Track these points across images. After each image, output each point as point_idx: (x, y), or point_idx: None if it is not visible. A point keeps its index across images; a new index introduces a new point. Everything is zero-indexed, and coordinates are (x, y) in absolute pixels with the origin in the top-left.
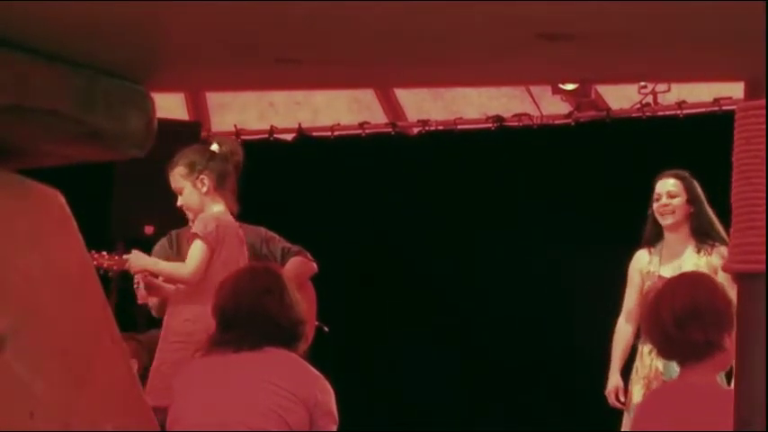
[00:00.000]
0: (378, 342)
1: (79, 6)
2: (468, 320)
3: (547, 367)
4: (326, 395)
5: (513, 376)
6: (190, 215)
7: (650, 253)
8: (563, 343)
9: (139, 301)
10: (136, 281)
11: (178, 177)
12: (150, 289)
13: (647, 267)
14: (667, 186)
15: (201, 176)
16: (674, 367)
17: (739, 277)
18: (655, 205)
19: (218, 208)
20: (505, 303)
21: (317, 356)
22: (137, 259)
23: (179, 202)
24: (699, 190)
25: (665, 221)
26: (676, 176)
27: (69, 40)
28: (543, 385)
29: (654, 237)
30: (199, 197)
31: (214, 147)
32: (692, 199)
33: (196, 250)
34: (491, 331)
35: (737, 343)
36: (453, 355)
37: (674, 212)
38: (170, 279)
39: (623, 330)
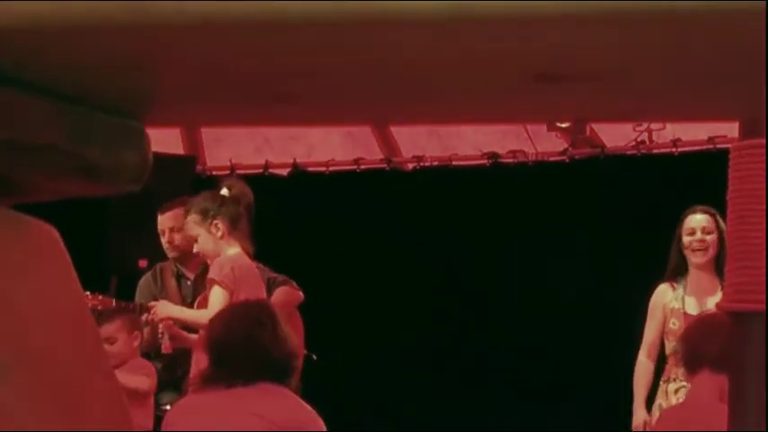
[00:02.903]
0: (372, 377)
1: (75, 42)
2: (460, 353)
3: (545, 403)
4: (319, 430)
5: (511, 410)
6: (209, 261)
7: (673, 288)
8: (560, 380)
9: (163, 351)
10: (160, 331)
11: (192, 225)
12: (174, 339)
13: (671, 303)
14: (702, 222)
15: (215, 222)
16: None
17: (735, 317)
18: (687, 239)
19: (233, 250)
20: (500, 338)
21: (307, 387)
22: (163, 308)
23: (195, 249)
24: (724, 229)
25: (698, 258)
26: (707, 212)
27: (65, 76)
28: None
29: (679, 271)
30: (214, 242)
31: (224, 191)
32: (721, 237)
33: (215, 296)
34: (487, 366)
35: (731, 384)
36: (449, 388)
37: (707, 249)
38: (196, 326)
39: (644, 365)
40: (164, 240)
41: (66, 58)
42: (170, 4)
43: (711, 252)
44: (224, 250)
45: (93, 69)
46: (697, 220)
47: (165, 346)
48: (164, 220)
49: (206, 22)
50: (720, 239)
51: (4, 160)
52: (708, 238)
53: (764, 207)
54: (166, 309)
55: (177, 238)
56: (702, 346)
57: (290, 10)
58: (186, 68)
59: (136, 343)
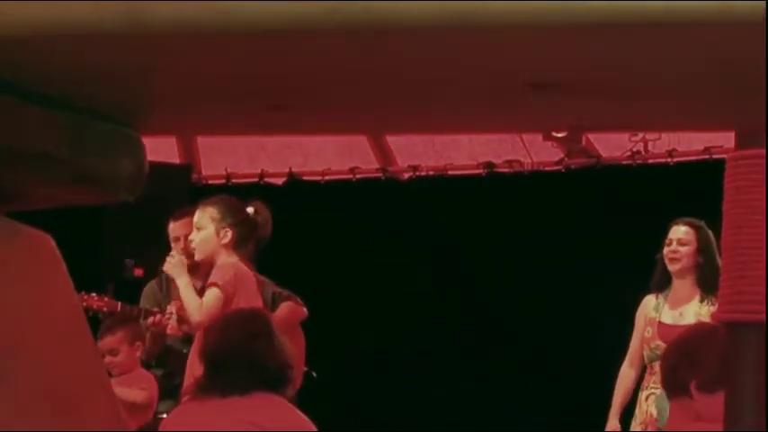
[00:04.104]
0: (368, 387)
1: (71, 50)
2: (458, 361)
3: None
4: None
5: (509, 416)
6: (197, 255)
7: (656, 298)
8: (555, 385)
9: (168, 332)
10: (169, 311)
11: (207, 216)
12: (183, 321)
13: (650, 313)
14: (679, 233)
15: (227, 229)
16: (667, 413)
17: (729, 327)
18: (665, 250)
19: (232, 259)
20: (498, 344)
21: (305, 402)
22: (175, 266)
23: (192, 237)
24: (711, 241)
25: (673, 267)
26: (689, 224)
27: (61, 84)
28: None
29: (663, 282)
30: (215, 245)
31: (250, 209)
32: (701, 249)
33: (211, 298)
34: (486, 372)
35: (726, 391)
36: (448, 396)
37: (681, 260)
38: (186, 308)
39: (626, 375)
40: (178, 247)
41: (62, 66)
42: (166, 13)
43: (685, 262)
44: (221, 257)
45: (89, 77)
46: (676, 231)
47: (172, 327)
48: (178, 227)
49: (200, 31)
50: (701, 251)
51: (1, 168)
52: (681, 249)
53: (762, 217)
54: (177, 269)
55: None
56: (680, 369)
57: (285, 18)
58: (181, 77)
59: (137, 353)
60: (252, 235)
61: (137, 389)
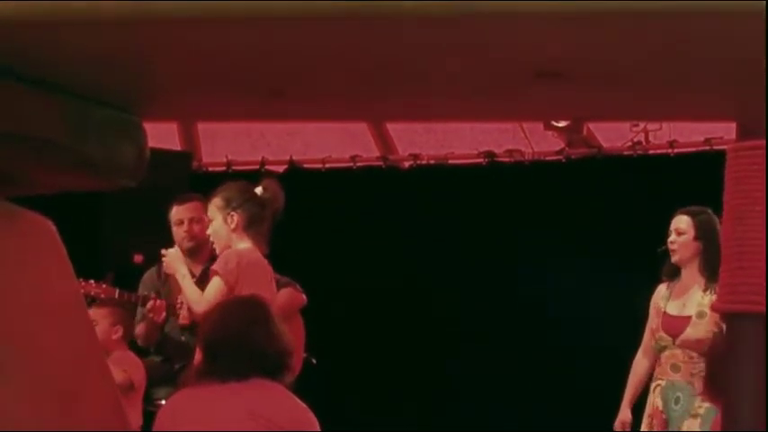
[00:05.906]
0: (367, 375)
1: (74, 35)
2: (457, 353)
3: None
4: (312, 428)
5: (508, 411)
6: (216, 247)
7: (667, 287)
8: (557, 377)
9: (180, 322)
10: (179, 302)
11: (213, 208)
12: (192, 312)
13: (660, 303)
14: (677, 223)
15: (232, 213)
16: (672, 405)
17: (729, 317)
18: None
19: (244, 245)
20: (497, 336)
21: (304, 388)
22: (172, 260)
23: (208, 231)
24: (713, 227)
25: (672, 258)
26: (688, 213)
27: (64, 70)
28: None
29: (672, 271)
30: (226, 232)
31: (258, 189)
32: (700, 236)
33: (213, 287)
34: (486, 364)
35: (725, 381)
36: (447, 389)
37: (678, 251)
38: (187, 302)
39: (638, 364)
40: (181, 230)
41: (64, 52)
42: (168, 1)
43: (683, 252)
44: (234, 243)
45: (92, 64)
46: (675, 221)
47: (183, 316)
48: (183, 211)
49: (202, 18)
50: (700, 238)
51: (3, 153)
52: (678, 239)
53: (762, 208)
54: (174, 264)
55: (197, 228)
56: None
57: (288, 6)
58: (183, 63)
59: (115, 336)
60: (262, 213)
61: (117, 369)
